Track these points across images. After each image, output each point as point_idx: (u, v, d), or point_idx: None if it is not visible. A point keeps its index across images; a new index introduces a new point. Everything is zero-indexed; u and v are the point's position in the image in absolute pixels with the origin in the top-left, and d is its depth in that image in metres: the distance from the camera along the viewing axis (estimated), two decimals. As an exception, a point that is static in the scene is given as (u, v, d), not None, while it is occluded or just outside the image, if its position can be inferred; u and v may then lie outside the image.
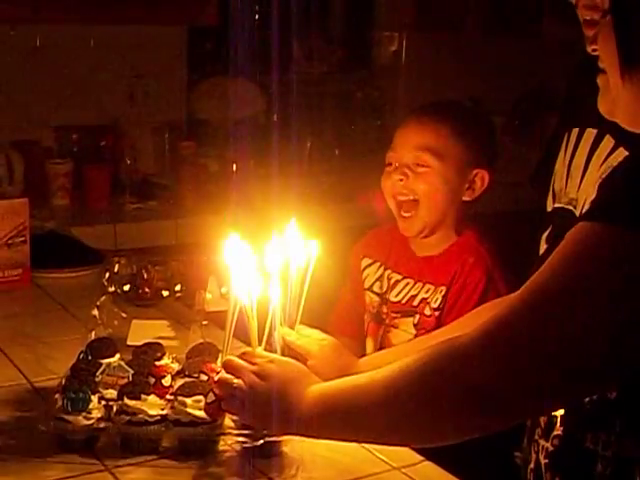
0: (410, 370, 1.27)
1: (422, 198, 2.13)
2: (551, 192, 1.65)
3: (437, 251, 2.18)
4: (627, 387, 1.28)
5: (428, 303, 2.13)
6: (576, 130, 1.61)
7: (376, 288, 2.25)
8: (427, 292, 2.15)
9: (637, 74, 1.24)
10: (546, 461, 1.47)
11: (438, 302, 2.12)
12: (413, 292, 2.17)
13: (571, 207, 1.56)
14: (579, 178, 1.56)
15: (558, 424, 1.44)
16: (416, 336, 2.13)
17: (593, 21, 1.45)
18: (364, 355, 2.11)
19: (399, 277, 2.22)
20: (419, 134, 2.15)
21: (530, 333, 1.16)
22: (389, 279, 2.23)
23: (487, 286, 2.09)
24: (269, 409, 1.44)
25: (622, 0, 1.24)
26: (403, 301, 2.18)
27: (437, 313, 2.11)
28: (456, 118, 2.17)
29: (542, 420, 1.48)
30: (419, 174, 2.13)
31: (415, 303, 2.16)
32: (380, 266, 2.27)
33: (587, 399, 1.37)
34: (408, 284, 2.20)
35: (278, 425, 1.46)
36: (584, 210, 1.28)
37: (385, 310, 2.22)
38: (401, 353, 1.64)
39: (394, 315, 2.19)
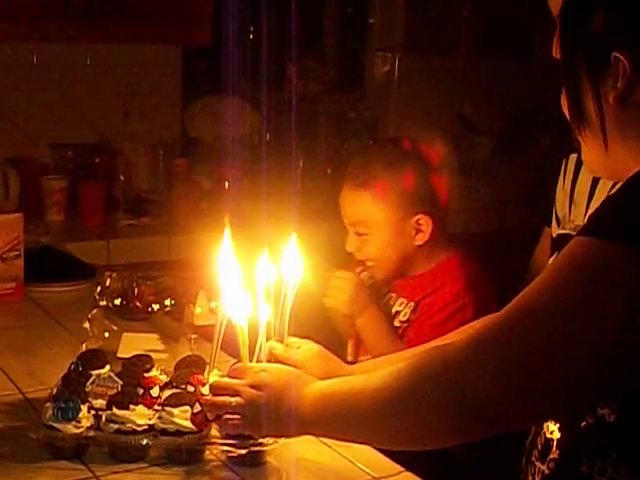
0: (401, 374, 1.31)
1: (373, 260, 2.23)
2: (554, 218, 1.65)
3: (421, 271, 2.25)
4: (626, 410, 1.30)
5: (397, 315, 2.22)
6: (574, 156, 1.60)
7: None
8: (400, 305, 2.24)
9: (590, 129, 1.28)
10: None
11: (407, 316, 2.21)
12: (391, 303, 2.27)
13: None
14: (584, 206, 1.56)
15: (554, 447, 1.44)
16: None
17: None
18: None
19: (385, 290, 2.30)
20: (345, 208, 2.24)
21: (517, 344, 1.18)
22: (383, 293, 2.30)
23: (455, 309, 2.15)
24: (271, 417, 1.48)
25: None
26: None
27: (405, 325, 2.20)
28: (375, 178, 2.18)
29: (539, 442, 1.48)
30: (364, 240, 2.21)
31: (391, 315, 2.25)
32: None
33: (584, 423, 1.37)
34: (391, 297, 2.28)
35: (281, 430, 1.51)
36: None
37: None
38: (393, 362, 1.68)
39: None
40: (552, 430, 1.44)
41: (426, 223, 2.19)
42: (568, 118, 1.30)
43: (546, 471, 1.45)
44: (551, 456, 1.44)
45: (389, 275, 2.25)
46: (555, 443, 1.44)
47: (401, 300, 2.24)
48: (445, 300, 2.16)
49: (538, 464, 1.48)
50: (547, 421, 1.45)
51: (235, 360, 1.68)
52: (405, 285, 2.26)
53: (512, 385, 1.19)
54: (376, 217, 2.18)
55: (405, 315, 2.21)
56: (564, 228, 1.61)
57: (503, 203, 4.16)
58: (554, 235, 1.66)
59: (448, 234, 2.26)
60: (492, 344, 1.21)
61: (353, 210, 2.22)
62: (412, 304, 2.21)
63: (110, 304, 2.24)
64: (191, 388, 1.69)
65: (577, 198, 1.58)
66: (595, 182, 1.55)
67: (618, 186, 1.40)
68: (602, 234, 1.16)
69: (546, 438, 1.46)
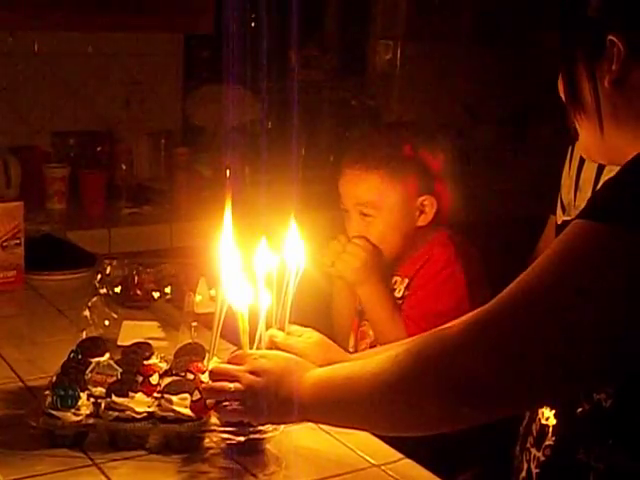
0: (399, 359, 1.30)
1: (376, 242, 2.23)
2: (560, 205, 1.65)
3: (414, 252, 2.27)
4: (622, 396, 1.29)
5: (392, 292, 2.24)
6: None
7: None
8: (395, 284, 2.26)
9: (586, 113, 1.28)
10: (537, 471, 1.46)
11: (402, 292, 2.23)
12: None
13: None
14: (589, 192, 1.56)
15: (550, 434, 1.44)
16: None
17: None
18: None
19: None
20: (353, 188, 2.24)
21: (514, 328, 1.18)
22: None
23: (446, 277, 2.19)
24: (270, 403, 1.48)
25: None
26: None
27: (400, 302, 2.22)
28: (383, 160, 2.21)
29: (534, 429, 1.48)
30: (368, 222, 2.22)
31: None
32: None
33: (580, 409, 1.37)
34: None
35: (280, 416, 1.51)
36: None
37: None
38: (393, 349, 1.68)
39: None
40: (547, 416, 1.44)
41: (430, 204, 2.22)
42: (564, 102, 1.31)
43: (542, 458, 1.45)
44: (547, 442, 1.44)
45: (389, 257, 2.25)
46: (551, 429, 1.43)
47: (395, 278, 2.26)
48: (435, 268, 2.20)
49: (533, 450, 1.47)
50: (544, 407, 1.45)
51: (235, 348, 1.68)
52: (399, 264, 2.28)
53: (510, 369, 1.19)
54: (386, 198, 2.20)
55: (400, 292, 2.24)
56: (569, 215, 1.61)
57: (506, 192, 4.15)
58: (559, 222, 1.65)
59: (442, 217, 2.28)
60: (489, 328, 1.21)
61: (361, 192, 2.22)
62: (406, 280, 2.24)
63: (110, 292, 2.24)
64: (191, 376, 1.69)
65: (582, 184, 1.58)
66: (601, 169, 1.54)
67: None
68: (600, 217, 1.16)
69: (541, 424, 1.45)
